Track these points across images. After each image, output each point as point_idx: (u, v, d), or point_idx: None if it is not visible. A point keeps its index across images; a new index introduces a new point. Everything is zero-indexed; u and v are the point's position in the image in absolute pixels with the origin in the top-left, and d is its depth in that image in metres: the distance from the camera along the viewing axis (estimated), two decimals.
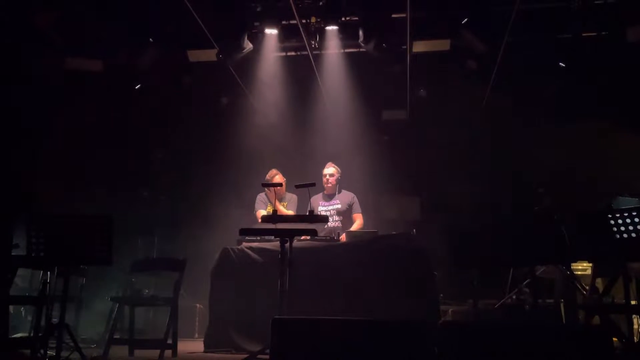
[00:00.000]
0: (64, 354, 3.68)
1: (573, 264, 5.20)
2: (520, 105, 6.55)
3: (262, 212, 5.48)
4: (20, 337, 4.81)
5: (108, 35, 6.44)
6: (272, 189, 5.34)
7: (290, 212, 5.45)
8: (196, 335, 6.28)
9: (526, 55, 6.30)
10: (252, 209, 5.69)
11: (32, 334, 4.23)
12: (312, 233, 4.15)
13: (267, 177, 5.57)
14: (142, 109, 7.24)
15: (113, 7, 6.04)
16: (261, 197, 5.68)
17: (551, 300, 5.07)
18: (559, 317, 4.80)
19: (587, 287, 4.32)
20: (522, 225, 3.78)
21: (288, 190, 5.63)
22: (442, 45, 6.30)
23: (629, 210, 3.26)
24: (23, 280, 5.45)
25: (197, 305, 6.39)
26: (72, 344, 3.66)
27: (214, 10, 6.02)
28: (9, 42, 5.86)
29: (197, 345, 5.01)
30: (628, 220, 3.24)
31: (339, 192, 5.65)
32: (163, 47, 6.68)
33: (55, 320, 3.82)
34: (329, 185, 5.60)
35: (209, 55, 6.56)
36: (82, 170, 6.78)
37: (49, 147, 6.67)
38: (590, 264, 4.98)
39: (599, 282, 4.31)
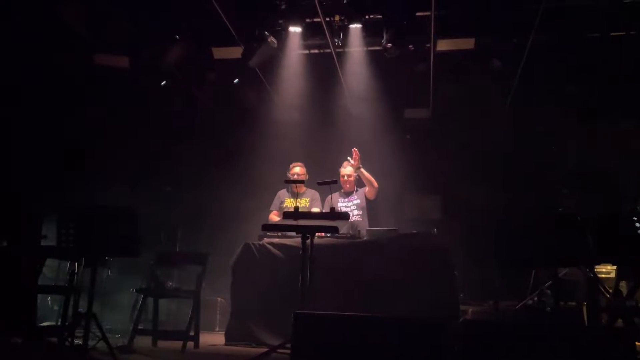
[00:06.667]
0: (91, 343, 3.77)
1: (597, 267, 5.14)
2: (544, 106, 6.47)
3: (274, 213, 5.59)
4: (48, 326, 4.95)
5: (134, 31, 6.54)
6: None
7: (316, 209, 5.43)
8: (217, 328, 6.37)
9: (552, 54, 6.22)
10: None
11: (59, 323, 4.35)
12: (334, 230, 4.17)
13: (290, 166, 5.64)
14: (166, 105, 7.34)
15: (138, 3, 6.13)
16: (279, 195, 5.71)
17: (573, 303, 5.02)
18: (582, 320, 4.75)
19: (611, 290, 4.25)
20: (546, 226, 3.75)
21: (310, 186, 5.61)
22: (466, 43, 6.25)
23: None
24: (50, 270, 5.60)
25: (218, 298, 6.48)
26: (98, 334, 3.76)
27: (238, 8, 6.06)
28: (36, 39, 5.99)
29: (218, 338, 5.09)
30: None
31: (357, 190, 5.66)
32: (188, 44, 6.75)
33: (81, 310, 3.93)
34: (348, 185, 5.61)
35: (233, 52, 6.62)
36: (106, 166, 6.90)
37: (75, 143, 6.81)
38: (614, 267, 4.91)
39: (622, 285, 4.23)
